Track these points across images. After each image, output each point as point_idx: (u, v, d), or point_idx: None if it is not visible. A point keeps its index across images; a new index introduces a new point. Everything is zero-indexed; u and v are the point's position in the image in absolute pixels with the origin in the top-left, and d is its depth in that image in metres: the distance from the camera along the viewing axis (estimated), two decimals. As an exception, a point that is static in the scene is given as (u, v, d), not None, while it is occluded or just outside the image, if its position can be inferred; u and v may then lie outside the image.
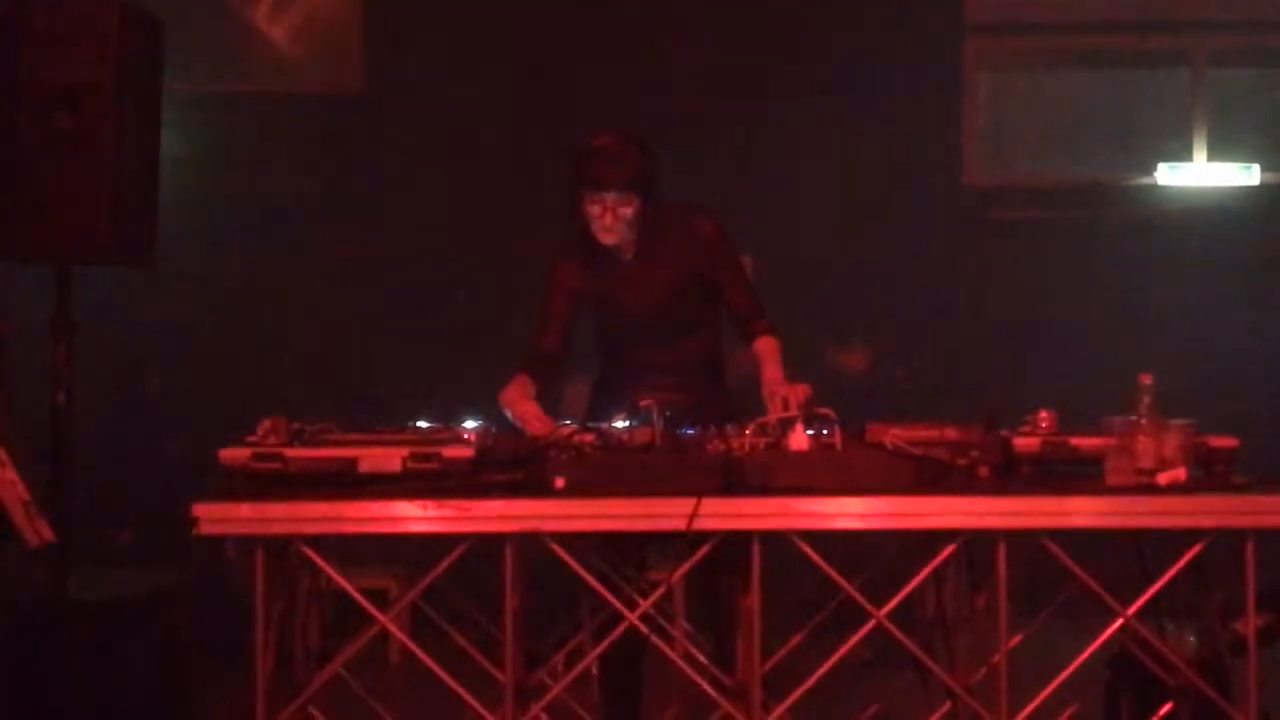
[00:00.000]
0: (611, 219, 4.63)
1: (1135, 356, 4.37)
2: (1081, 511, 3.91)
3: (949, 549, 4.01)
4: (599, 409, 4.61)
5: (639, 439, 4.11)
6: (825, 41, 7.80)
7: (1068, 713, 4.32)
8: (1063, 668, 4.02)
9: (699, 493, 3.82)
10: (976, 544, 4.09)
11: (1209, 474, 4.06)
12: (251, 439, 3.99)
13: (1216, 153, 8.12)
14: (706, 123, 7.46)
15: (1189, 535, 3.97)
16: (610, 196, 4.61)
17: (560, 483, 3.87)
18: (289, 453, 3.94)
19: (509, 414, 4.48)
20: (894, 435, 4.09)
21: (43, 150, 4.73)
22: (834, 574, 3.96)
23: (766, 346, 4.70)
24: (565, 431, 4.17)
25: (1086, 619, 4.18)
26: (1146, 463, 3.93)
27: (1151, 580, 4.00)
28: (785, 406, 4.28)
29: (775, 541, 3.93)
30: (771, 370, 4.61)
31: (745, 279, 4.81)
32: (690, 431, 4.19)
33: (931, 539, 4.07)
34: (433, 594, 4.07)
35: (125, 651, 5.45)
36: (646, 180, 4.64)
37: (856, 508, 3.90)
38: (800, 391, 4.38)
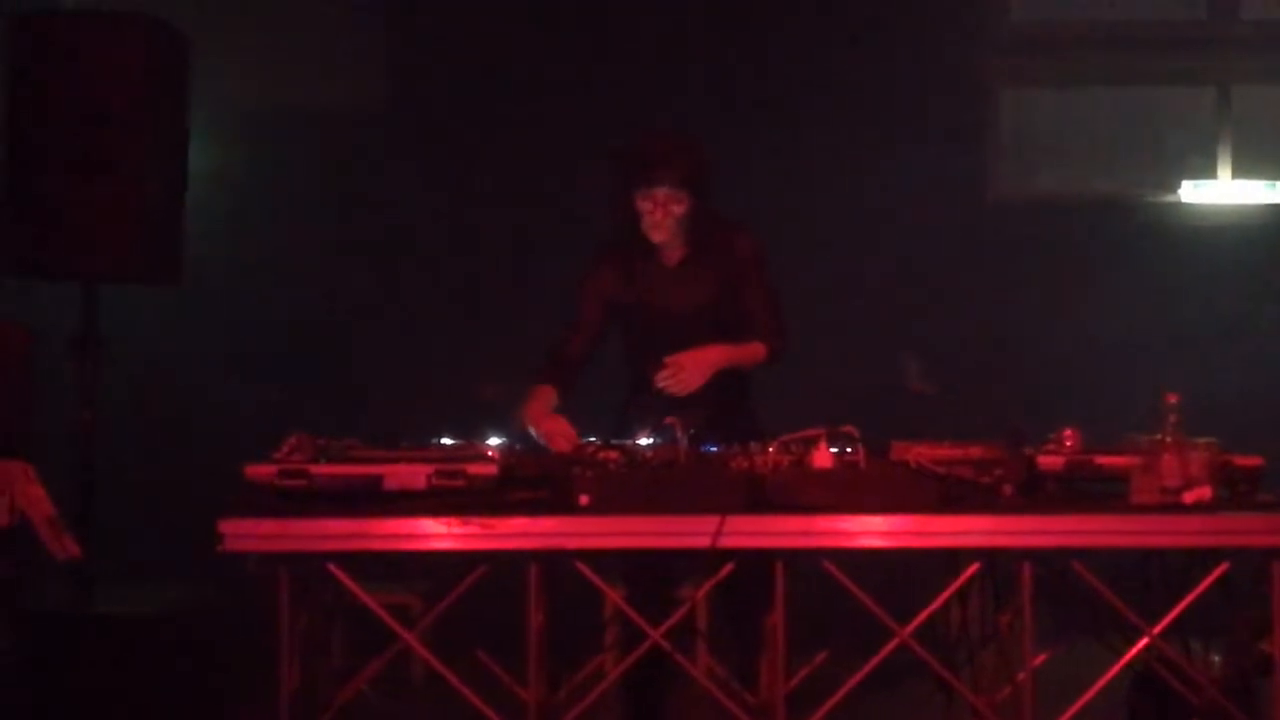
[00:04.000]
0: (662, 215, 4.63)
1: (1160, 374, 4.36)
2: (1106, 530, 3.90)
3: (973, 568, 4.00)
4: (628, 419, 4.61)
5: (663, 456, 4.11)
6: (850, 58, 7.79)
7: (1092, 732, 4.31)
8: (1087, 687, 4.01)
9: (723, 510, 3.82)
10: (1000, 562, 4.09)
11: (1234, 493, 4.05)
12: (277, 455, 4.00)
13: (1241, 170, 8.09)
14: (728, 138, 7.44)
15: (1214, 554, 3.96)
16: (662, 193, 4.61)
17: (585, 500, 3.88)
18: (314, 469, 3.95)
19: (533, 432, 4.48)
20: (918, 453, 4.08)
21: (70, 168, 4.76)
22: (858, 592, 3.95)
23: (744, 343, 4.71)
24: (590, 449, 4.18)
25: (1111, 638, 4.17)
26: (1172, 481, 3.92)
27: (1176, 599, 3.99)
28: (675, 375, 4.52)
29: (799, 559, 3.93)
30: (709, 348, 4.62)
31: (771, 301, 4.78)
32: (714, 449, 4.19)
33: (955, 557, 4.07)
34: (456, 611, 4.07)
35: (149, 667, 5.46)
36: (698, 179, 4.64)
37: (880, 526, 3.90)
38: (692, 364, 4.48)
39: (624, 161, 4.67)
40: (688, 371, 4.57)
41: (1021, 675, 4.01)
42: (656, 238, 4.68)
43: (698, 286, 4.74)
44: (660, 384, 4.57)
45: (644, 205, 4.65)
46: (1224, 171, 8.11)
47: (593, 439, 4.34)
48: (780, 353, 4.76)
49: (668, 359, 4.58)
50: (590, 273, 4.80)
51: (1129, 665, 4.15)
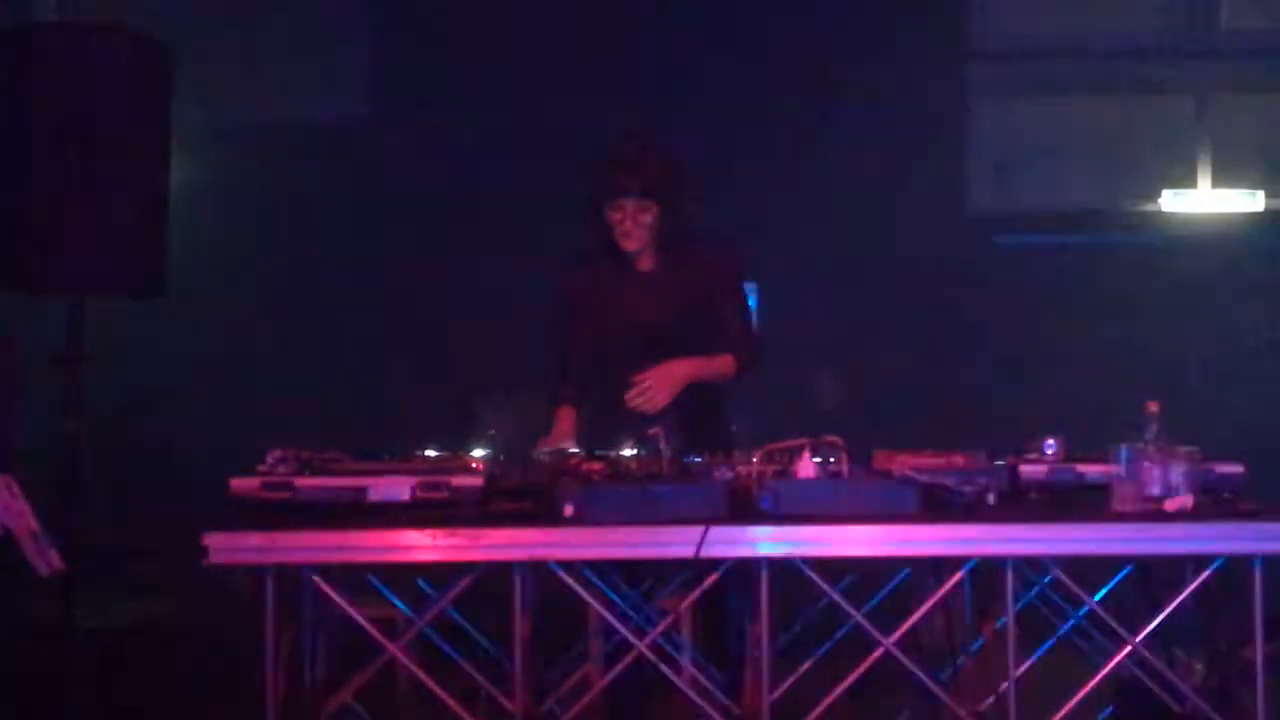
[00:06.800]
0: (631, 224, 4.69)
1: (1141, 383, 4.38)
2: (1088, 538, 3.91)
3: (956, 576, 4.01)
4: (599, 431, 4.62)
5: (647, 467, 4.12)
6: (826, 69, 7.83)
7: (1075, 740, 4.32)
8: (1071, 695, 4.02)
9: (707, 520, 3.83)
10: (984, 571, 4.10)
11: (1216, 500, 4.06)
12: (261, 468, 4.00)
13: (1221, 179, 8.14)
14: (707, 151, 7.48)
15: (1196, 561, 3.98)
16: (630, 203, 4.66)
17: (569, 511, 3.88)
18: (298, 482, 3.95)
19: None
20: (901, 462, 4.09)
21: (53, 182, 4.75)
22: (842, 601, 3.96)
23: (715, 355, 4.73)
24: (573, 460, 4.18)
25: (1094, 646, 4.19)
26: (1153, 489, 3.93)
27: (1159, 607, 4.00)
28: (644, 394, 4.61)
29: (783, 569, 3.94)
30: (680, 362, 4.64)
31: (745, 317, 4.82)
32: (698, 459, 4.20)
33: (939, 566, 4.08)
34: (441, 623, 4.08)
35: (133, 680, 5.46)
36: (665, 188, 4.69)
37: (863, 535, 3.90)
38: (659, 380, 4.54)
39: (593, 176, 4.72)
40: (655, 388, 4.62)
41: (1005, 684, 4.02)
42: (629, 247, 4.73)
43: (664, 298, 4.78)
44: (630, 404, 4.62)
45: (614, 216, 4.70)
46: (1204, 180, 8.15)
47: (576, 451, 4.35)
48: (749, 368, 4.80)
49: (636, 377, 4.63)
50: (564, 287, 4.85)
51: (1113, 673, 4.16)
